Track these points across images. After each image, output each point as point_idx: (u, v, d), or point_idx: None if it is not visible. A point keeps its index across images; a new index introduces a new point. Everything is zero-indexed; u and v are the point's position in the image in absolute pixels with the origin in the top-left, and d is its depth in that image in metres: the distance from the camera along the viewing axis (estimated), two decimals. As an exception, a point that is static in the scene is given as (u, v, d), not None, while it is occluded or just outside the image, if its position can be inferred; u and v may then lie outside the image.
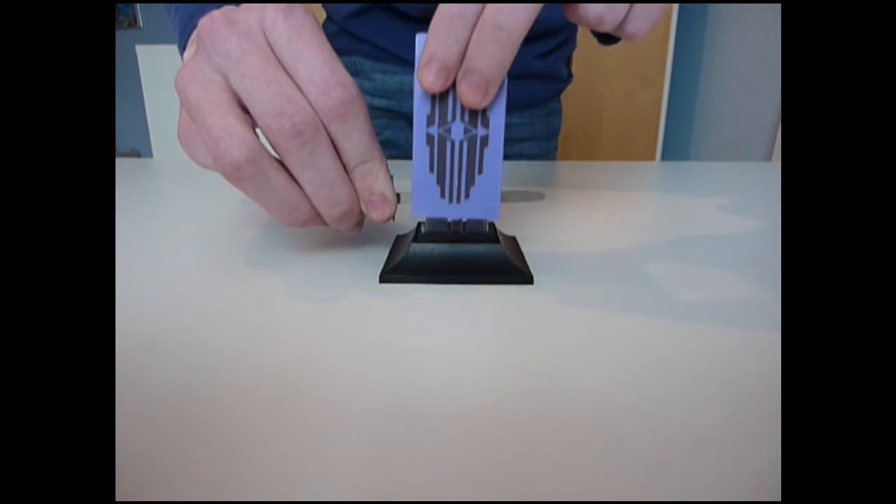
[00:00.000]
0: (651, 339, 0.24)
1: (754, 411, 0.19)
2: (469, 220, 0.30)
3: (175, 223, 0.41)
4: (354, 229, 0.32)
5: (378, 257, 0.33)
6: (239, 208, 0.45)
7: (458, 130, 0.27)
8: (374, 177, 0.28)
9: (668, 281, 0.30)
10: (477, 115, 0.27)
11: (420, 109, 0.27)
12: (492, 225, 0.31)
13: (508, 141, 0.73)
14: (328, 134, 0.26)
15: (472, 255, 0.30)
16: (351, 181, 0.28)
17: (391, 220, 0.29)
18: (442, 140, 0.27)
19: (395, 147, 0.77)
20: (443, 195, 0.28)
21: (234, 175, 0.26)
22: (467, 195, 0.28)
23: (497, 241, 0.30)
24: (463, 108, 0.27)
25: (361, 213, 0.29)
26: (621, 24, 0.29)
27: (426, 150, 0.28)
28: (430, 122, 0.27)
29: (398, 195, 0.30)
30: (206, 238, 0.38)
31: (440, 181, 0.28)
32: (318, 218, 0.29)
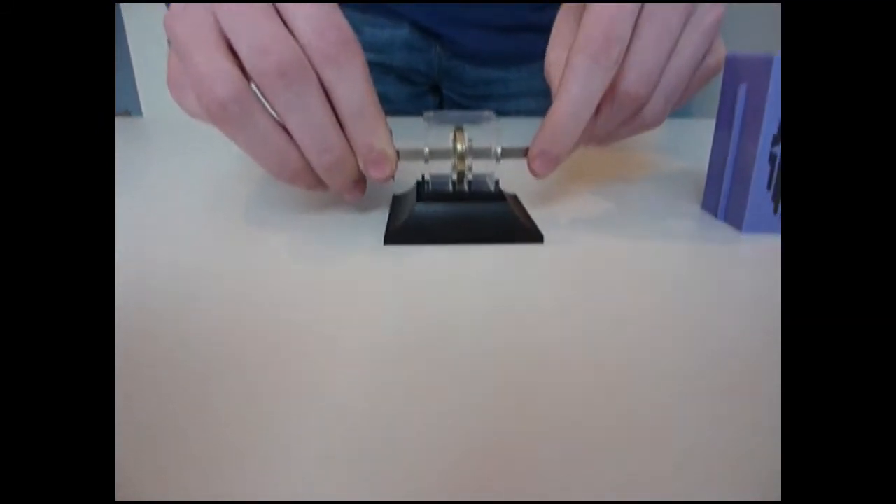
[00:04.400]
0: (662, 300, 0.24)
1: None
2: (473, 178, 0.31)
3: (170, 183, 0.40)
4: (354, 192, 0.30)
5: (379, 218, 0.33)
6: (236, 166, 0.44)
7: (801, 151, 0.29)
8: (373, 132, 0.27)
9: (677, 233, 0.32)
10: None
11: (768, 130, 0.28)
12: (497, 183, 0.32)
13: (505, 97, 0.73)
14: (319, 80, 0.25)
15: (479, 214, 0.30)
16: (345, 134, 0.27)
17: (392, 180, 0.28)
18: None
19: (387, 102, 0.71)
20: (775, 210, 0.30)
21: (219, 114, 0.25)
22: (798, 209, 0.30)
23: (503, 199, 0.30)
24: None
25: (359, 170, 0.28)
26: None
27: (768, 168, 0.29)
28: (775, 141, 0.29)
29: (397, 152, 0.29)
30: (202, 199, 0.37)
31: (776, 197, 0.30)
32: (311, 173, 0.28)
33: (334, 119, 0.26)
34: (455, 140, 0.29)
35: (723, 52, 0.33)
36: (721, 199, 0.32)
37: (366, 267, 0.27)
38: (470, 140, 0.30)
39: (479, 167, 0.31)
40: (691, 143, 0.53)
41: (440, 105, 0.76)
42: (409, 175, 0.37)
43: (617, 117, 0.31)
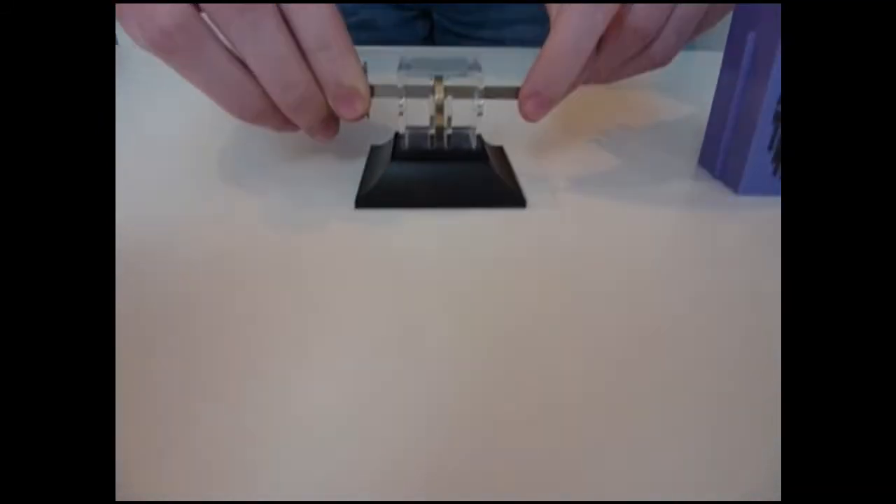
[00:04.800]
0: (648, 270, 0.23)
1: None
2: (453, 133, 0.29)
3: (139, 127, 0.38)
4: (325, 131, 0.28)
5: (355, 170, 0.31)
6: (209, 110, 0.40)
7: (808, 108, 0.27)
8: (340, 66, 0.24)
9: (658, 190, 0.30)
10: None
11: (774, 88, 0.26)
12: (479, 138, 0.29)
13: (499, 23, 0.68)
14: (279, 8, 0.23)
15: (458, 175, 0.27)
16: (310, 68, 0.24)
17: (366, 118, 0.26)
18: (789, 118, 0.27)
19: (374, 30, 0.67)
20: (775, 172, 0.28)
21: (165, 45, 0.22)
22: (800, 171, 0.28)
23: (486, 157, 0.28)
24: None
25: (329, 108, 0.26)
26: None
27: (771, 128, 0.27)
28: (780, 100, 0.26)
29: (372, 88, 0.26)
30: (168, 148, 0.35)
31: (776, 159, 0.28)
32: (276, 113, 0.26)
33: (297, 51, 0.24)
34: (434, 90, 0.27)
35: None
36: (719, 156, 0.30)
37: (335, 238, 0.25)
38: (448, 89, 0.27)
39: (462, 118, 0.29)
40: (695, 82, 0.50)
41: (430, 32, 0.71)
42: (391, 118, 0.34)
43: (622, 54, 0.27)
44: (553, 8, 0.27)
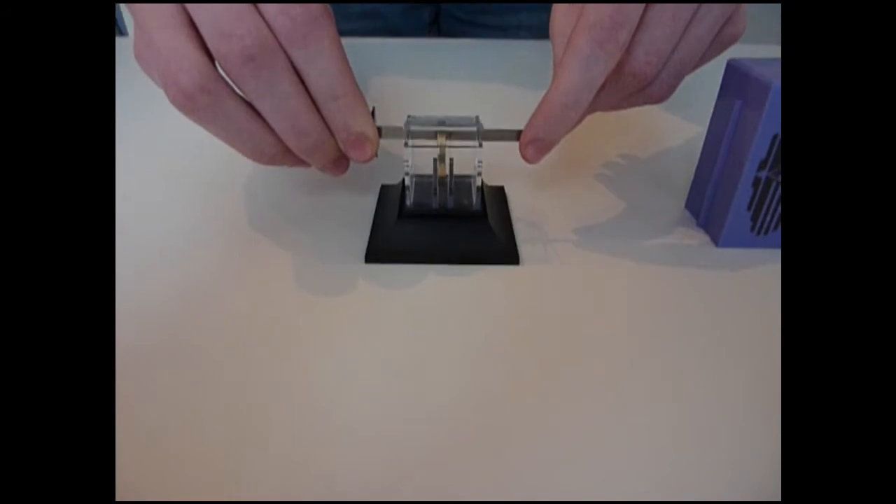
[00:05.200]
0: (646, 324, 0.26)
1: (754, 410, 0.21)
2: (456, 182, 0.32)
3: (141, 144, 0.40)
4: (337, 169, 0.29)
5: (366, 209, 0.34)
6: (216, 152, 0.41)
7: (787, 174, 0.28)
8: (350, 113, 0.26)
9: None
10: None
11: (756, 155, 0.28)
12: (480, 189, 0.31)
13: (506, 9, 0.68)
14: (290, 60, 0.24)
15: (459, 234, 0.30)
16: (321, 115, 0.26)
17: (375, 158, 0.28)
18: (768, 183, 0.29)
19: (379, 18, 0.67)
20: (753, 229, 0.30)
21: (187, 105, 0.23)
22: (776, 228, 0.30)
23: (484, 215, 0.30)
24: None
25: (340, 150, 0.27)
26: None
27: (750, 190, 0.29)
28: (762, 166, 0.28)
29: (379, 129, 0.28)
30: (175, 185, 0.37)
31: (755, 217, 0.30)
32: (290, 154, 0.27)
33: (309, 101, 0.25)
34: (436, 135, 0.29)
35: (743, 23, 0.29)
36: (703, 207, 0.32)
37: (344, 291, 0.28)
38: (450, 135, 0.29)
39: (464, 165, 0.31)
40: (694, 100, 0.51)
41: (436, 18, 0.71)
42: (399, 148, 0.36)
43: (620, 94, 0.28)
44: (557, 52, 0.27)
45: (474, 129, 0.29)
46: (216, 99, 0.24)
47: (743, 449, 0.19)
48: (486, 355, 0.25)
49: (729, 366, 0.24)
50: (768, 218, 0.30)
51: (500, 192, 0.35)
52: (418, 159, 0.30)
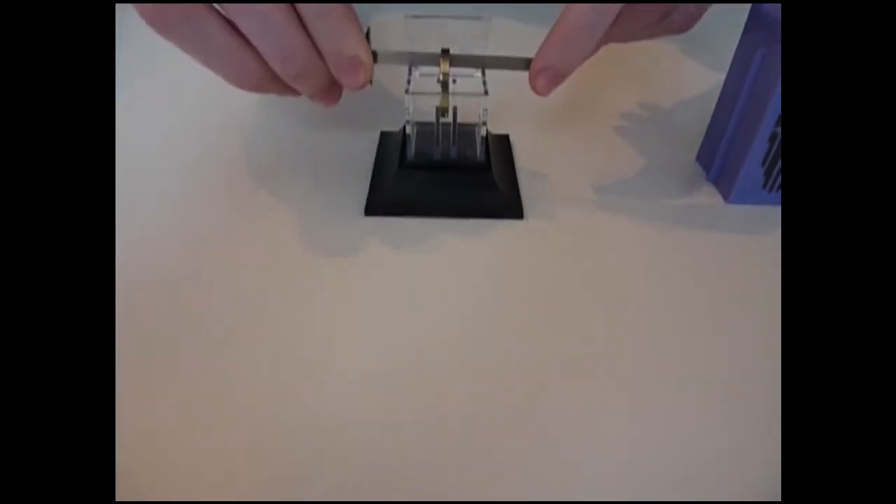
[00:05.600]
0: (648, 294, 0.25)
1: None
2: (460, 130, 0.30)
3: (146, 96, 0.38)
4: (329, 98, 0.27)
5: (366, 157, 0.33)
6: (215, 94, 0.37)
7: (806, 129, 0.27)
8: (341, 34, 0.23)
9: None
10: None
11: (775, 109, 0.26)
12: (484, 139, 0.30)
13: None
14: None
15: (462, 186, 0.29)
16: (310, 36, 0.24)
17: (369, 86, 0.25)
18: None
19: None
20: (765, 185, 0.29)
21: (160, 21, 0.22)
22: (789, 184, 0.29)
23: (489, 167, 0.29)
24: None
25: (332, 77, 0.25)
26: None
27: (766, 146, 0.28)
28: (779, 121, 0.27)
29: (375, 54, 0.25)
30: (172, 142, 0.35)
31: (768, 174, 0.29)
32: (277, 81, 0.25)
33: (294, 19, 0.23)
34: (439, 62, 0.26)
35: None
36: (715, 160, 0.31)
37: (345, 244, 0.27)
38: (455, 58, 0.26)
39: (468, 113, 0.29)
40: (716, 45, 0.49)
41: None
42: (399, 77, 0.34)
43: (640, 22, 0.26)
44: None
45: (479, 56, 0.26)
46: (191, 15, 0.22)
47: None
48: (487, 314, 0.24)
49: (736, 334, 0.24)
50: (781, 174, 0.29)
51: (504, 140, 0.34)
52: (421, 102, 0.29)
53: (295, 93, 0.26)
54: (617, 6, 0.23)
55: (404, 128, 0.30)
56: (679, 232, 0.29)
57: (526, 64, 0.25)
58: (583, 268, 0.27)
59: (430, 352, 0.23)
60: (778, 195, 0.30)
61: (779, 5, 0.27)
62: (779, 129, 0.27)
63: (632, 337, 0.24)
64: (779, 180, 0.29)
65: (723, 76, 0.31)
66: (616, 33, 0.25)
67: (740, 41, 0.29)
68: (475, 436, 0.20)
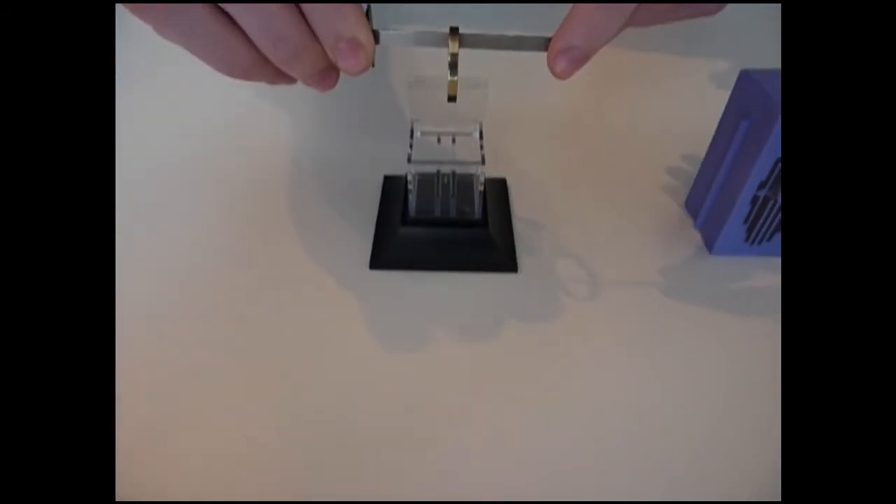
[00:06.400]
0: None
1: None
2: (458, 175, 0.31)
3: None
4: (324, 83, 0.25)
5: (370, 207, 0.34)
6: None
7: (786, 193, 0.29)
8: (338, 14, 0.22)
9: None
10: None
11: (757, 176, 0.28)
12: (481, 197, 0.31)
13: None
14: None
15: (460, 242, 0.31)
16: (304, 17, 0.22)
17: (371, 68, 0.24)
18: (766, 201, 0.29)
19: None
20: (747, 239, 0.31)
21: (143, 6, 0.20)
22: (769, 239, 0.31)
23: (485, 223, 0.31)
24: None
25: (328, 59, 0.23)
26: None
27: (748, 207, 0.29)
28: (761, 186, 0.28)
29: (376, 34, 0.23)
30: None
31: (750, 230, 0.30)
32: (268, 66, 0.23)
33: None
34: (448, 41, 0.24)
35: None
36: (702, 211, 0.32)
37: (352, 294, 0.29)
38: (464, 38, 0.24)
39: (468, 150, 0.31)
40: (712, 93, 0.49)
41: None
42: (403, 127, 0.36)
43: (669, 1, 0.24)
44: None
45: (493, 35, 0.24)
46: None
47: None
48: (478, 364, 0.27)
49: (716, 378, 0.26)
50: (763, 231, 0.31)
51: (501, 186, 0.35)
52: (420, 153, 0.30)
53: (288, 79, 0.25)
54: None
55: (406, 184, 0.32)
56: (667, 281, 0.31)
57: (545, 44, 0.23)
58: (570, 319, 0.29)
59: (428, 396, 0.25)
60: (761, 248, 0.32)
61: (768, 76, 0.28)
62: (761, 194, 0.29)
63: (616, 383, 0.26)
64: (760, 236, 0.31)
65: (718, 115, 0.32)
66: (642, 15, 0.23)
67: (727, 106, 0.30)
68: (473, 477, 0.23)
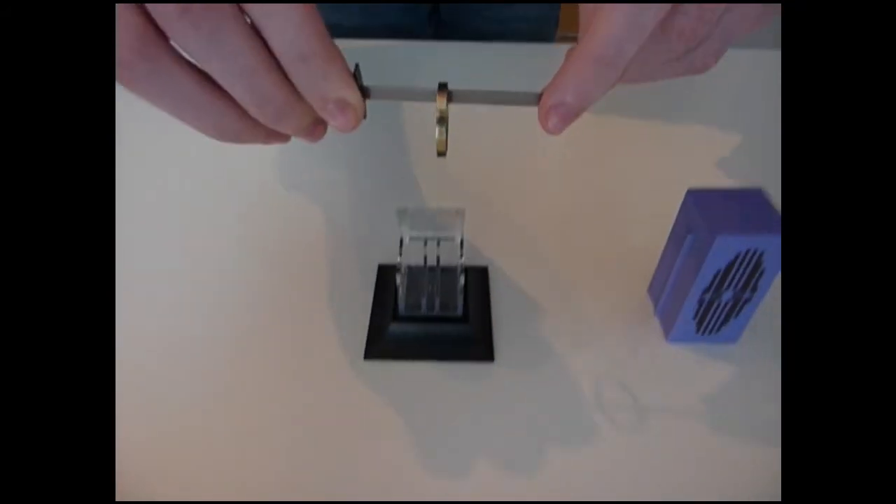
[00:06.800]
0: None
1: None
2: (443, 270, 0.37)
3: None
4: (313, 136, 0.26)
5: (365, 290, 0.39)
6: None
7: (727, 296, 0.33)
8: (323, 77, 0.22)
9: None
10: (749, 285, 0.32)
11: (701, 283, 0.32)
12: (462, 294, 0.36)
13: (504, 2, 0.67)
14: (242, 14, 0.20)
15: (443, 335, 0.35)
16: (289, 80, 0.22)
17: (363, 121, 0.24)
18: (711, 302, 0.33)
19: (378, 16, 0.66)
20: (697, 330, 0.35)
21: (126, 76, 0.20)
22: (718, 331, 0.35)
23: (466, 319, 0.36)
24: (739, 279, 0.32)
25: (313, 112, 0.24)
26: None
27: (695, 306, 0.33)
28: (706, 291, 0.32)
29: (366, 89, 0.24)
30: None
31: (699, 324, 0.34)
32: (259, 127, 0.24)
33: (269, 60, 0.21)
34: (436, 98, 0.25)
35: None
36: (660, 300, 0.37)
37: (347, 384, 0.34)
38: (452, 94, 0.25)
39: (448, 254, 0.36)
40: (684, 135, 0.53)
41: (436, 10, 0.69)
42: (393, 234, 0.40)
43: (661, 57, 0.24)
44: (587, 6, 0.23)
45: (483, 91, 0.24)
46: (158, 65, 0.20)
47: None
48: (457, 445, 0.31)
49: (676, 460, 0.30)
50: (711, 324, 0.35)
51: (483, 275, 0.40)
52: (409, 254, 0.35)
53: (280, 138, 0.25)
54: (647, 28, 0.21)
55: (395, 283, 0.36)
56: (625, 371, 0.35)
57: (535, 99, 0.23)
58: (545, 403, 0.33)
59: (415, 481, 0.30)
60: (714, 336, 0.36)
61: (710, 196, 0.32)
62: (706, 297, 0.33)
63: (577, 468, 0.30)
64: (709, 328, 0.35)
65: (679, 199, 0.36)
66: (633, 71, 0.24)
67: (677, 218, 0.34)
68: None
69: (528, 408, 0.33)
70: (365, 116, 0.24)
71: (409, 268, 0.37)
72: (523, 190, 0.48)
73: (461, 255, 0.34)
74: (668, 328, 0.36)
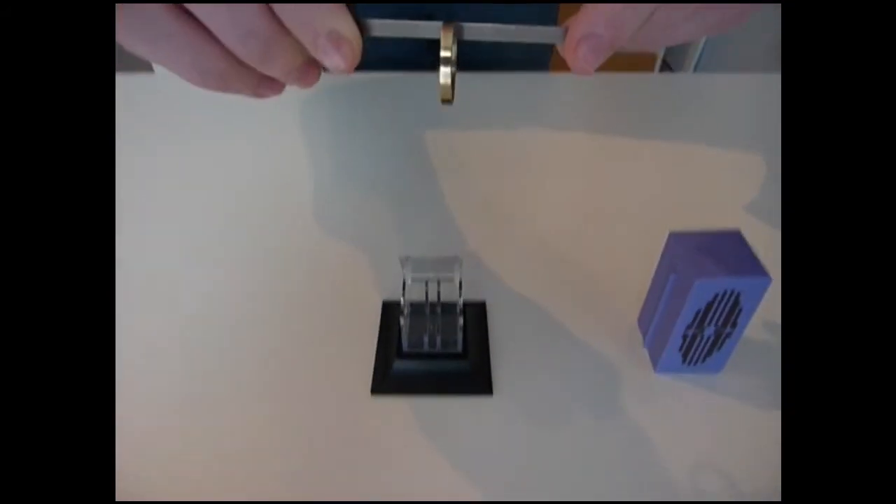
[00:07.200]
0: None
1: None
2: (442, 305, 0.39)
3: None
4: (305, 79, 0.23)
5: (370, 333, 0.41)
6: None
7: (710, 331, 0.35)
8: (312, 8, 0.20)
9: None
10: (728, 321, 0.34)
11: (684, 320, 0.34)
12: (462, 331, 0.38)
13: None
14: None
15: (444, 371, 0.38)
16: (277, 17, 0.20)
17: (359, 60, 0.22)
18: (694, 336, 0.35)
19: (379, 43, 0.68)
20: (683, 361, 0.37)
21: None
22: (703, 361, 0.37)
23: (465, 355, 0.38)
24: (720, 317, 0.34)
25: (302, 50, 0.22)
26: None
27: (680, 340, 0.36)
28: (689, 327, 0.35)
29: (363, 23, 0.22)
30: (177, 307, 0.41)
31: (685, 356, 0.37)
32: (243, 71, 0.22)
33: None
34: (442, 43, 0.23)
35: None
36: (648, 332, 0.39)
37: (355, 418, 0.36)
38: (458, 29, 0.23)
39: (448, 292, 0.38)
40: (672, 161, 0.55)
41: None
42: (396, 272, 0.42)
43: (688, 8, 0.22)
44: None
45: (495, 25, 0.22)
46: (138, 6, 0.19)
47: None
48: (458, 479, 0.33)
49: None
50: (695, 356, 0.37)
51: (481, 310, 0.42)
52: (411, 293, 0.37)
53: (272, 86, 0.23)
54: None
55: (399, 322, 0.38)
56: (616, 401, 0.37)
57: (557, 35, 0.22)
58: (535, 438, 0.35)
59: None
60: (699, 366, 0.38)
61: (691, 238, 0.34)
62: (689, 332, 0.35)
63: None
64: (694, 359, 0.37)
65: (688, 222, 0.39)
66: (659, 21, 0.22)
67: (661, 257, 0.36)
68: None
69: (525, 439, 0.35)
70: (362, 54, 0.21)
71: (412, 304, 0.39)
72: (519, 223, 0.50)
73: (460, 296, 0.37)
74: (656, 359, 0.38)
